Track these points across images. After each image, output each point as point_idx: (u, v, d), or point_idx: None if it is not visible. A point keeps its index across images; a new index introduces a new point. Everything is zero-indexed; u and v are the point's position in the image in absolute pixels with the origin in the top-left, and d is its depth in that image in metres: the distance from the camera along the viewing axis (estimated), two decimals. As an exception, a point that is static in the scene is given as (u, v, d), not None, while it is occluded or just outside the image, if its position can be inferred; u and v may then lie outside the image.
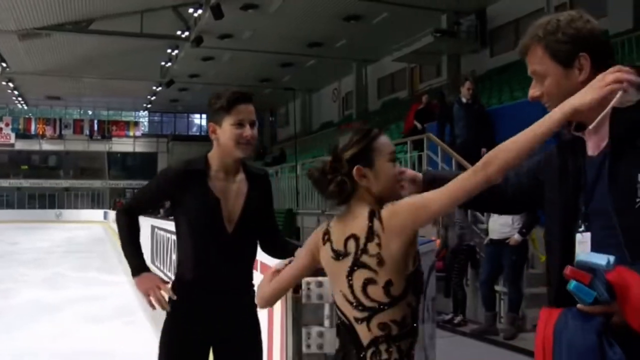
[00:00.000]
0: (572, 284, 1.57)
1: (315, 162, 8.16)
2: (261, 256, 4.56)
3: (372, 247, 1.88)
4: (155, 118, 56.31)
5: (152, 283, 2.75)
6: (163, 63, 34.20)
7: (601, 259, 1.54)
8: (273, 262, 3.63)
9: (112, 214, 31.41)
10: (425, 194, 1.88)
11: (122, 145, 54.69)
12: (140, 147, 55.32)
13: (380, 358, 1.88)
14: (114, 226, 2.98)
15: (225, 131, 2.71)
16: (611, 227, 1.68)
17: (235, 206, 2.79)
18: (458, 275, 8.15)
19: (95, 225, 39.22)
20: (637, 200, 1.65)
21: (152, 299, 2.73)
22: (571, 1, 21.34)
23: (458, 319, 8.05)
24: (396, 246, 1.87)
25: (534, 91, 1.89)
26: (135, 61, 32.81)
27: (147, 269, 2.81)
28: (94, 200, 53.28)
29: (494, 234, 7.54)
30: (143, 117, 55.81)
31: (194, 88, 39.85)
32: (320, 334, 2.30)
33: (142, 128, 55.64)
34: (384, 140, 2.00)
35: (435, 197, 1.83)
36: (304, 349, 2.37)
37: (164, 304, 2.73)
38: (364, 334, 1.91)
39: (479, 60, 25.81)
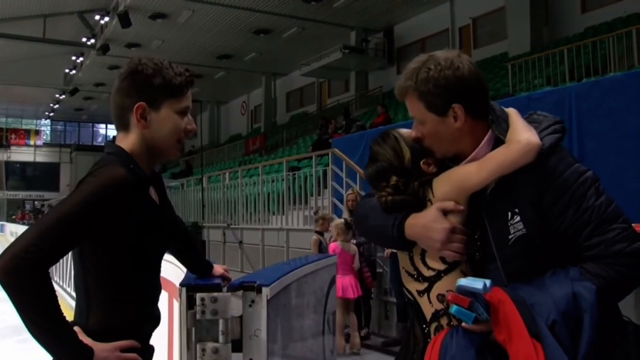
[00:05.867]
0: (453, 308, 1.70)
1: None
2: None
3: None
4: (58, 127, 54.41)
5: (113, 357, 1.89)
6: (67, 70, 33.27)
7: (478, 283, 1.68)
8: (174, 276, 3.57)
9: (9, 227, 29.91)
10: (471, 164, 1.87)
11: (21, 154, 52.47)
12: (41, 156, 53.28)
13: (433, 331, 1.86)
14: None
15: (165, 119, 1.99)
16: (493, 256, 1.83)
17: None
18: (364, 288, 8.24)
19: (-9, 238, 37.47)
20: (510, 237, 1.78)
21: None
22: (474, 23, 22.17)
23: (364, 332, 8.14)
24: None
25: (416, 132, 1.94)
26: (38, 67, 31.71)
27: (91, 349, 1.81)
28: (-10, 212, 50.90)
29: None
30: (45, 125, 53.83)
31: (99, 97, 38.81)
32: (215, 350, 2.26)
33: (44, 137, 53.70)
34: (402, 129, 2.01)
35: (474, 169, 1.84)
36: (199, 366, 2.34)
37: None
38: (426, 307, 1.89)
39: (386, 77, 26.39)
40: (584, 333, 1.61)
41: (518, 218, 1.77)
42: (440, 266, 1.87)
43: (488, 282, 1.68)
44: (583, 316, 1.62)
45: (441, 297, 1.85)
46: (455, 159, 1.94)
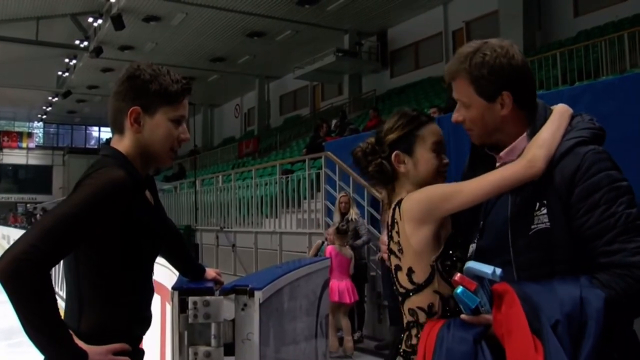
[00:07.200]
0: (458, 289, 1.68)
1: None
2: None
3: (395, 235, 1.90)
4: (51, 129, 54.15)
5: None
6: (60, 73, 33.19)
7: (487, 268, 1.66)
8: (168, 280, 3.56)
9: (0, 229, 29.73)
10: (460, 183, 1.87)
11: (14, 157, 52.13)
12: (34, 159, 52.98)
13: (410, 342, 1.88)
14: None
15: (159, 125, 2.01)
16: (505, 245, 1.81)
17: None
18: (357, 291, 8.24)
19: (-17, 241, 37.17)
20: (533, 227, 1.76)
21: None
22: (467, 27, 22.21)
23: (357, 335, 8.13)
24: (415, 235, 1.86)
25: (457, 115, 1.95)
26: (30, 70, 31.56)
27: (85, 352, 1.82)
28: (-19, 215, 50.55)
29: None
30: (38, 128, 53.57)
31: (92, 100, 38.74)
32: (208, 354, 2.26)
33: (37, 139, 53.39)
34: (430, 128, 1.98)
35: (467, 188, 1.82)
36: (191, 370, 2.33)
37: None
38: (403, 316, 1.94)
39: (380, 80, 26.47)
40: (587, 339, 1.55)
41: (545, 210, 1.74)
42: (409, 286, 1.89)
43: (499, 269, 1.66)
44: (588, 322, 1.57)
45: (412, 311, 1.89)
46: (494, 148, 1.95)
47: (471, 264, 1.71)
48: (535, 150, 1.78)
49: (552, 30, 18.92)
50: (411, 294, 1.89)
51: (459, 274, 1.71)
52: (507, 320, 1.62)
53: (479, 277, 1.68)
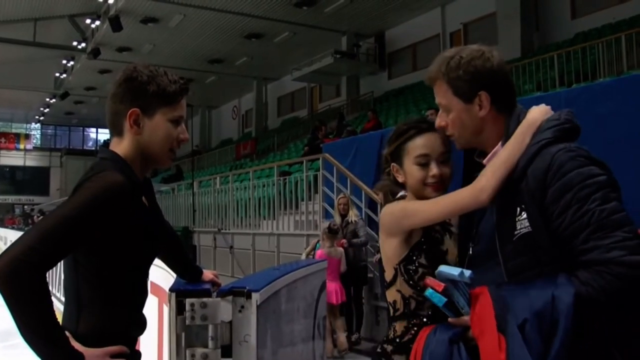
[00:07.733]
0: (428, 291, 1.79)
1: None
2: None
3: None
4: (49, 131, 54.04)
5: None
6: (58, 74, 33.13)
7: (455, 271, 1.75)
8: (164, 281, 3.55)
9: (-2, 230, 29.65)
10: (419, 203, 2.01)
11: (11, 158, 52.03)
12: (31, 160, 52.89)
13: (388, 332, 2.12)
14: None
15: (158, 126, 2.01)
16: (495, 251, 1.83)
17: None
18: (356, 293, 8.23)
19: (-20, 242, 37.04)
20: (516, 232, 1.77)
21: None
22: (465, 29, 22.24)
23: (355, 337, 8.12)
24: (385, 242, 2.10)
25: (439, 121, 1.99)
26: (28, 71, 31.57)
27: (82, 354, 1.80)
28: (-21, 216, 50.43)
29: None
30: (35, 129, 53.47)
31: (90, 101, 38.75)
32: (205, 356, 2.25)
33: (34, 141, 53.30)
34: (416, 141, 2.07)
35: (424, 208, 1.95)
36: (188, 372, 2.33)
37: None
38: None
39: (378, 82, 26.51)
40: (557, 336, 1.54)
41: (525, 215, 1.75)
42: (385, 282, 2.13)
43: (467, 271, 1.73)
44: (559, 319, 1.55)
45: (387, 304, 2.14)
46: (481, 154, 1.98)
47: (441, 268, 1.79)
48: (488, 177, 1.82)
49: (550, 32, 18.97)
50: (385, 289, 2.12)
51: (428, 278, 1.83)
52: (479, 320, 1.67)
53: (452, 281, 1.75)
